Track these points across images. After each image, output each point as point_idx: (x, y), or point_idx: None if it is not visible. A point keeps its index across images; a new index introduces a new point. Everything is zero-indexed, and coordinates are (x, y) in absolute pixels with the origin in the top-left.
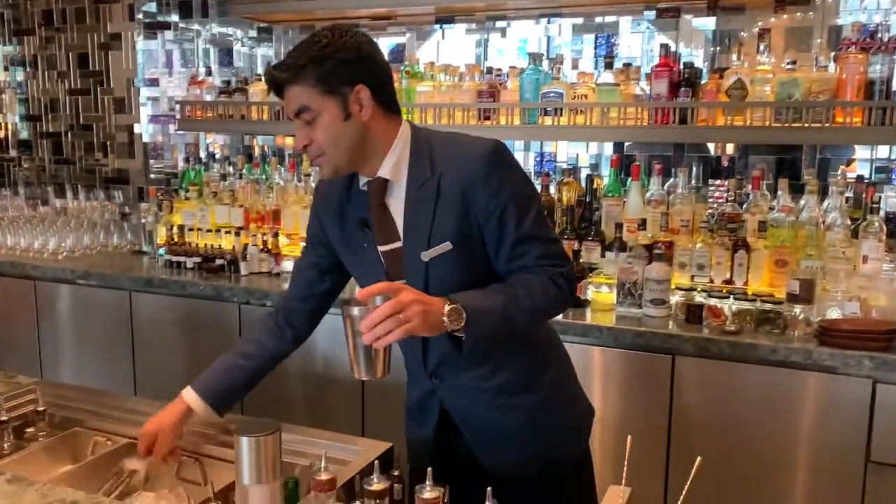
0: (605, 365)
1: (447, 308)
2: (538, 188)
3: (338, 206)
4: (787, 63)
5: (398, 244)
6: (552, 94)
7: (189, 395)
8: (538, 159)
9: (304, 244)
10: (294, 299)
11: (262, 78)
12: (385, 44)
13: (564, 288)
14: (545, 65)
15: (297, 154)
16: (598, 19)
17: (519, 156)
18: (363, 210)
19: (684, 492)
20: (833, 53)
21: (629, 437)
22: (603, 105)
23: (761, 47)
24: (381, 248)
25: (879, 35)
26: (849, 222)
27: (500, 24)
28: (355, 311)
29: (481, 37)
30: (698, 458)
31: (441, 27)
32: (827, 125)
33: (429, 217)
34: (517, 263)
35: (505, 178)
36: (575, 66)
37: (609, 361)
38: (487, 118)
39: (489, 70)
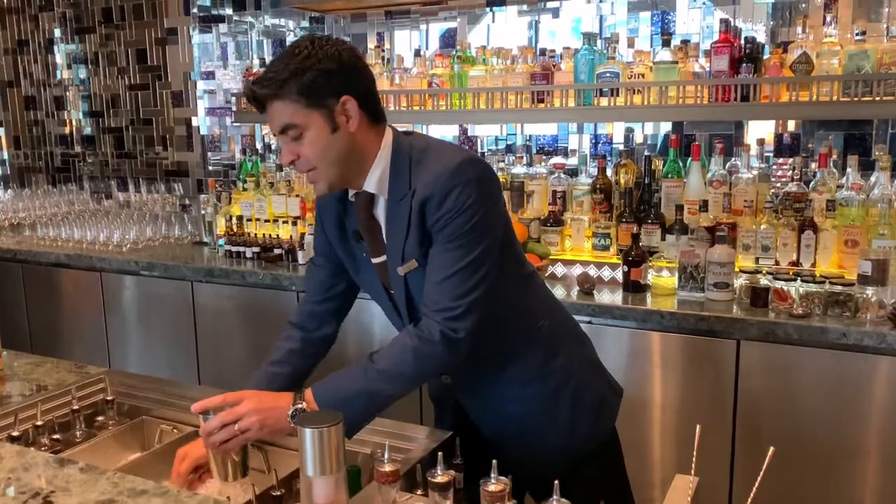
0: (666, 351)
1: (293, 409)
2: (594, 171)
3: (337, 217)
4: (856, 34)
5: (384, 258)
6: (608, 75)
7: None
8: (593, 141)
9: (314, 248)
10: (311, 303)
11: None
12: (436, 29)
13: (437, 346)
14: (599, 44)
15: None
16: None
17: (574, 139)
18: (358, 222)
19: (757, 483)
20: None
21: (698, 426)
22: (661, 84)
23: (827, 18)
24: (373, 261)
25: None
26: None
27: (551, 4)
28: (202, 416)
29: (533, 18)
30: (771, 449)
31: (492, 10)
32: None
33: (403, 233)
34: (426, 293)
35: (461, 193)
36: (631, 45)
37: (671, 347)
38: (541, 101)
39: (542, 52)
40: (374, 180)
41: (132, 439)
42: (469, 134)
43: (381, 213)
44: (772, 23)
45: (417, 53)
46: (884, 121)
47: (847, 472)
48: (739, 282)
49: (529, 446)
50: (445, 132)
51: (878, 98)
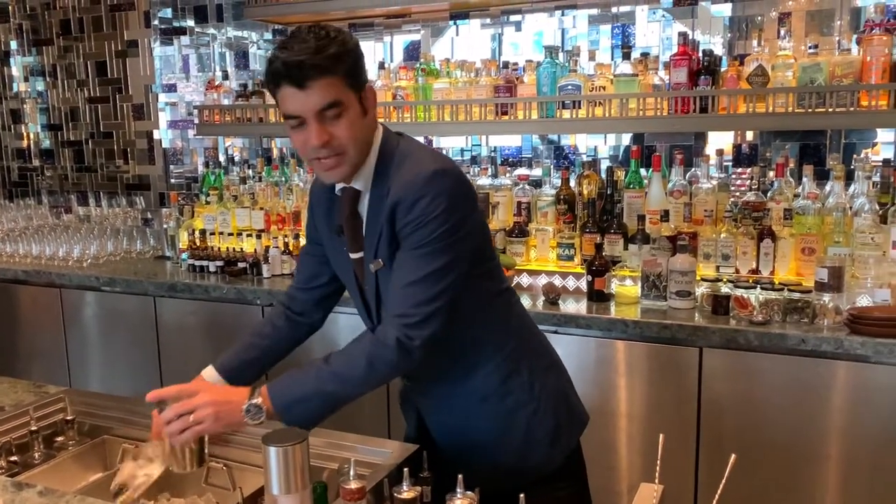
0: (630, 359)
1: (247, 404)
2: (557, 182)
3: (327, 209)
4: (809, 47)
5: (361, 254)
6: (569, 87)
7: (208, 373)
8: (557, 152)
9: (306, 235)
10: (299, 288)
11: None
12: (400, 41)
13: (390, 350)
14: (561, 57)
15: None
16: (614, 9)
17: (538, 150)
18: (341, 216)
19: (719, 490)
20: (856, 36)
21: (661, 435)
22: (621, 96)
23: (782, 32)
24: (351, 256)
25: None
26: (877, 207)
27: (514, 18)
28: (161, 408)
29: (496, 31)
30: (733, 456)
31: (455, 23)
32: (852, 109)
33: (377, 231)
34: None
35: (430, 203)
36: (592, 58)
37: (635, 355)
38: (505, 113)
39: (505, 64)
40: (363, 175)
41: (93, 459)
42: (434, 146)
43: (364, 209)
44: (729, 36)
45: (382, 66)
46: (837, 131)
47: (808, 476)
48: (701, 290)
49: (481, 462)
50: None
51: (830, 109)
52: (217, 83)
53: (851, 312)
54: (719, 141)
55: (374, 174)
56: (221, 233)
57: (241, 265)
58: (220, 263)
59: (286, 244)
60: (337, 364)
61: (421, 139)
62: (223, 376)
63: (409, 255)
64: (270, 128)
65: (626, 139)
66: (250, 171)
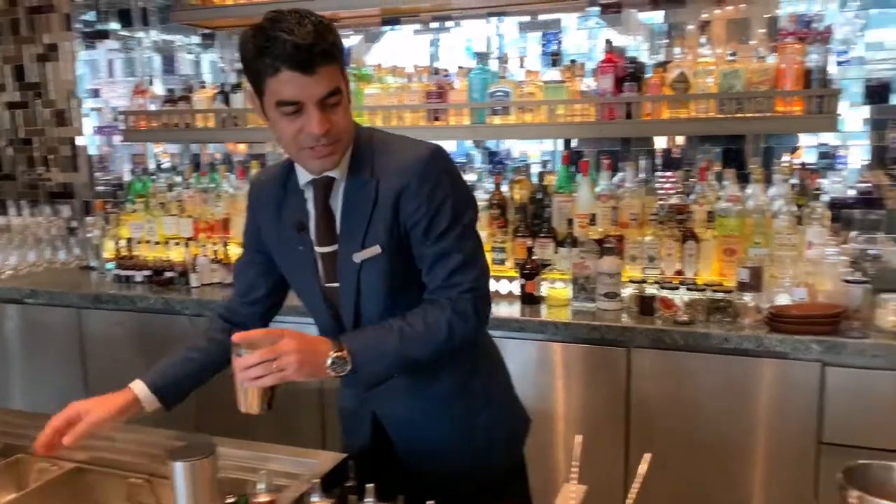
0: (562, 360)
1: (332, 355)
2: (491, 187)
3: (275, 205)
4: (728, 55)
5: (336, 246)
6: (499, 93)
7: (137, 386)
8: (491, 158)
9: (243, 243)
10: (238, 300)
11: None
12: None
13: (471, 320)
14: (492, 64)
15: (246, 161)
16: (543, 17)
17: (471, 155)
18: (300, 211)
19: (636, 489)
20: (772, 44)
21: (577, 437)
22: (550, 102)
23: (703, 40)
24: (319, 250)
25: (815, 25)
26: (794, 209)
27: (447, 23)
28: (239, 349)
29: (429, 37)
30: (646, 456)
31: (387, 28)
32: (768, 114)
33: (365, 219)
34: (431, 279)
35: (437, 187)
36: (522, 65)
37: (566, 357)
38: (437, 119)
39: (436, 70)
40: (341, 164)
41: (7, 479)
42: None
43: (338, 199)
44: (654, 43)
45: None
46: (756, 136)
47: (735, 470)
48: (628, 291)
49: (443, 466)
50: None
51: (748, 115)
52: (143, 88)
53: (771, 311)
54: (646, 145)
55: (350, 161)
56: (148, 242)
57: (168, 275)
58: (147, 273)
59: (216, 252)
60: (419, 327)
61: None
62: (156, 392)
63: (446, 239)
64: (198, 133)
65: (560, 144)
66: (178, 178)
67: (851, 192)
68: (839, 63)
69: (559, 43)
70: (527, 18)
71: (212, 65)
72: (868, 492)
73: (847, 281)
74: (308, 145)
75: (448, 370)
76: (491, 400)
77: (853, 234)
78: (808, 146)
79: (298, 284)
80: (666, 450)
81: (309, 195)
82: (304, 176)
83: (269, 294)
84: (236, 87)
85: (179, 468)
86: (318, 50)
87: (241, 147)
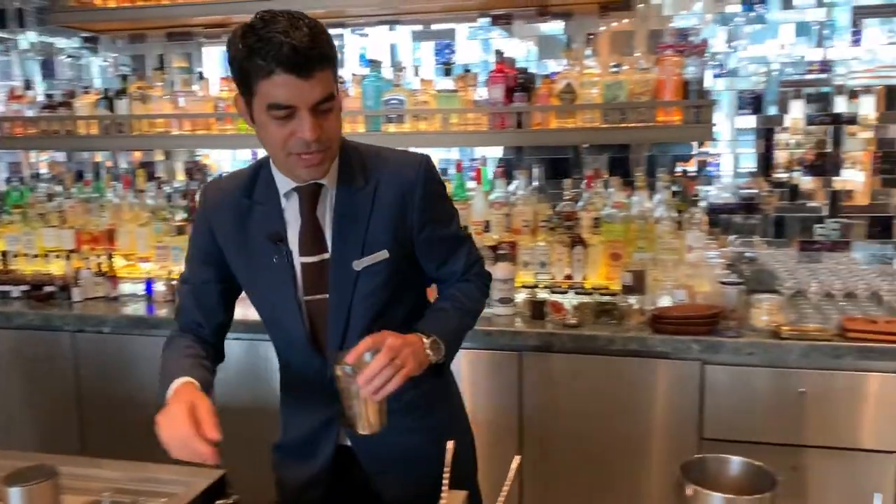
0: (455, 366)
1: (427, 342)
2: None
3: (237, 216)
4: (612, 66)
5: (325, 255)
6: (394, 101)
7: (184, 379)
8: None
9: (188, 259)
10: (201, 323)
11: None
12: (220, 53)
13: (486, 289)
14: (387, 72)
15: (132, 170)
16: (436, 26)
17: None
18: (274, 221)
19: (505, 491)
20: (654, 56)
21: (517, 457)
22: (443, 111)
23: (588, 52)
24: (303, 260)
25: (692, 38)
26: (675, 215)
27: (341, 31)
28: (349, 369)
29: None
30: (515, 458)
31: None
32: (650, 124)
33: (363, 226)
34: (447, 269)
35: (437, 189)
36: (416, 73)
37: (463, 363)
38: None
39: None
40: (331, 171)
41: None
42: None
43: (326, 207)
44: (542, 54)
45: (201, 76)
46: (641, 145)
47: (624, 467)
48: (521, 296)
49: (409, 480)
50: (236, 156)
51: (631, 124)
52: (19, 93)
53: (653, 312)
54: (538, 153)
55: (339, 168)
56: (26, 254)
57: (48, 289)
58: (25, 288)
59: (100, 265)
60: (469, 300)
61: (246, 153)
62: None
63: (455, 231)
64: (80, 140)
65: (454, 153)
66: (59, 188)
67: (731, 198)
68: (715, 76)
69: (452, 52)
70: (420, 27)
71: (102, 69)
72: (703, 485)
73: (723, 282)
74: (297, 151)
75: (425, 379)
76: (458, 411)
77: (731, 237)
78: (688, 154)
79: (270, 298)
80: (557, 451)
81: (289, 204)
82: (285, 184)
83: (228, 310)
84: (121, 92)
85: (16, 494)
86: (316, 53)
87: (138, 154)
